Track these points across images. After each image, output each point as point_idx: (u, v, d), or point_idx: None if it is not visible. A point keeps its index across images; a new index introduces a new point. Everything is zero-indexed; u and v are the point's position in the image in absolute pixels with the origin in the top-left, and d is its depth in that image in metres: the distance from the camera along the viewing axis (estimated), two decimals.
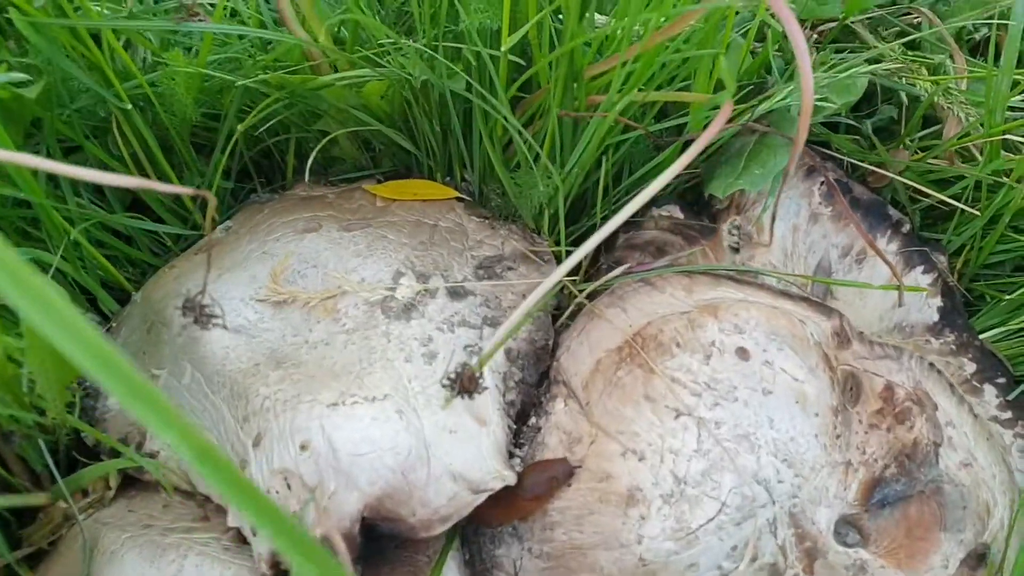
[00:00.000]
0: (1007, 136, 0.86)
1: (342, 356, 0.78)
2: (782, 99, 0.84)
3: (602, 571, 0.74)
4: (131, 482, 0.87)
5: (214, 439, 0.79)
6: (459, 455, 0.73)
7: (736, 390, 0.76)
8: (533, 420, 0.82)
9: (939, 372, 0.81)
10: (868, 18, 1.06)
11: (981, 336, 0.91)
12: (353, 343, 0.79)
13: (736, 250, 0.88)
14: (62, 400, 0.80)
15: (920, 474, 0.76)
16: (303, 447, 0.71)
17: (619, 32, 0.77)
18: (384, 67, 0.87)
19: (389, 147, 1.01)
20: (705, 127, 0.65)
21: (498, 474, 0.74)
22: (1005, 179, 0.88)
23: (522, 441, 0.81)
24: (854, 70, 0.86)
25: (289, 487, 0.71)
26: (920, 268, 0.91)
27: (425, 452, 0.72)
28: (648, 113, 0.88)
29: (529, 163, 0.87)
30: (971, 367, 0.89)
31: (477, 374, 0.71)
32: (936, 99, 0.93)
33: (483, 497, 0.72)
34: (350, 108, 0.93)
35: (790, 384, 0.76)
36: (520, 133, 0.85)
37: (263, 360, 0.78)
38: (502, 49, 0.79)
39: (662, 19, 0.74)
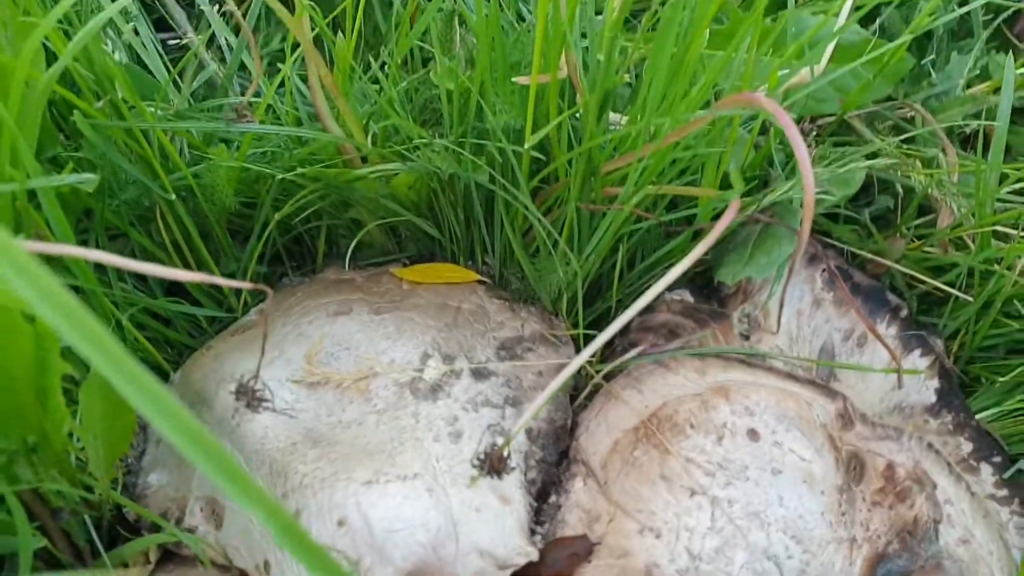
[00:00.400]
0: (997, 227, 0.92)
1: (375, 435, 0.82)
2: (785, 192, 0.90)
3: None
4: (169, 556, 0.91)
5: (253, 519, 0.84)
6: (485, 532, 0.78)
7: (747, 470, 0.81)
8: (553, 498, 0.86)
9: (937, 452, 0.86)
10: (864, 112, 1.12)
11: (977, 417, 0.96)
12: (384, 423, 0.84)
13: (746, 337, 0.93)
14: (109, 476, 0.84)
15: (921, 550, 0.80)
16: (340, 523, 0.75)
17: (634, 133, 0.83)
18: (413, 161, 0.93)
19: (415, 233, 1.07)
20: (715, 219, 0.71)
21: (522, 550, 0.78)
22: (996, 267, 0.93)
23: (543, 519, 0.86)
24: (852, 165, 0.93)
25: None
26: (918, 351, 0.96)
27: (453, 529, 0.76)
28: (660, 203, 0.94)
29: (548, 249, 0.92)
30: (968, 446, 0.93)
31: (505, 454, 0.76)
32: (930, 191, 0.99)
33: (508, 573, 0.76)
34: (380, 198, 0.99)
35: (798, 464, 0.81)
36: (540, 221, 0.91)
37: (300, 439, 0.83)
38: (525, 147, 0.85)
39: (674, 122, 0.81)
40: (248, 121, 0.84)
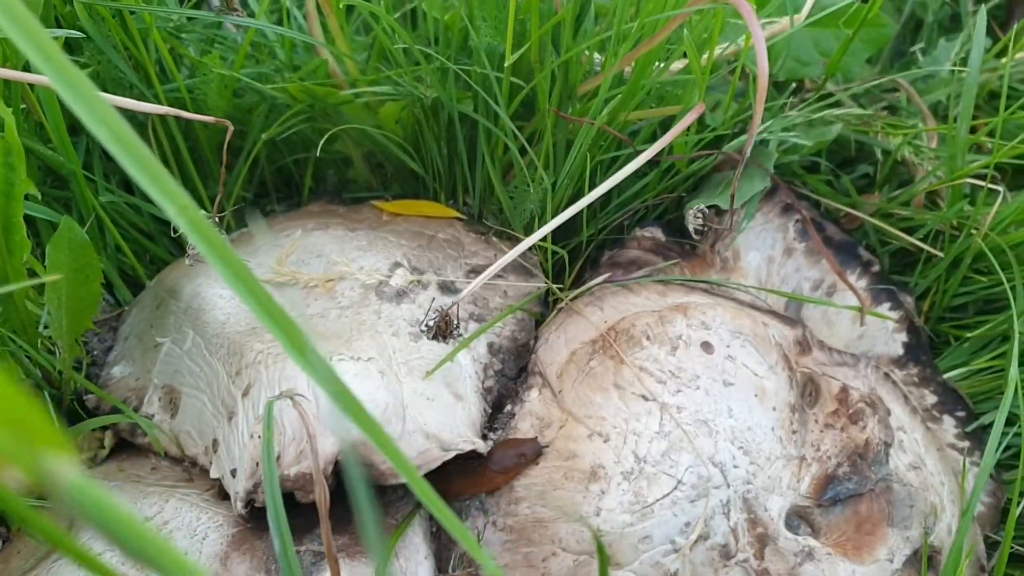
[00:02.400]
0: (969, 181, 0.93)
1: (335, 325, 0.83)
2: (759, 132, 0.92)
3: (561, 542, 0.77)
4: (123, 446, 0.92)
5: (206, 399, 0.85)
6: (433, 418, 0.78)
7: (699, 379, 0.81)
8: (508, 407, 0.86)
9: (894, 383, 0.85)
10: (853, 94, 1.14)
11: (945, 375, 0.96)
12: (346, 316, 0.85)
13: None
14: (72, 353, 0.86)
15: (871, 473, 0.79)
16: (292, 391, 0.76)
17: (610, 47, 0.85)
18: (401, 85, 0.96)
19: (400, 171, 1.09)
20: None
21: (468, 439, 0.78)
22: (967, 222, 0.94)
23: (496, 426, 0.86)
24: (826, 112, 0.94)
25: (282, 435, 0.75)
26: (887, 305, 0.96)
27: (402, 410, 0.77)
28: (636, 138, 0.96)
29: (525, 177, 0.94)
30: (932, 398, 0.93)
31: (454, 321, 0.76)
32: (907, 155, 1.00)
33: (451, 455, 0.76)
34: (366, 128, 1.02)
35: (750, 378, 0.81)
36: (517, 137, 0.92)
37: (259, 325, 0.84)
38: (507, 63, 0.88)
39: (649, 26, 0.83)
40: (238, 15, 0.87)
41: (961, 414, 0.92)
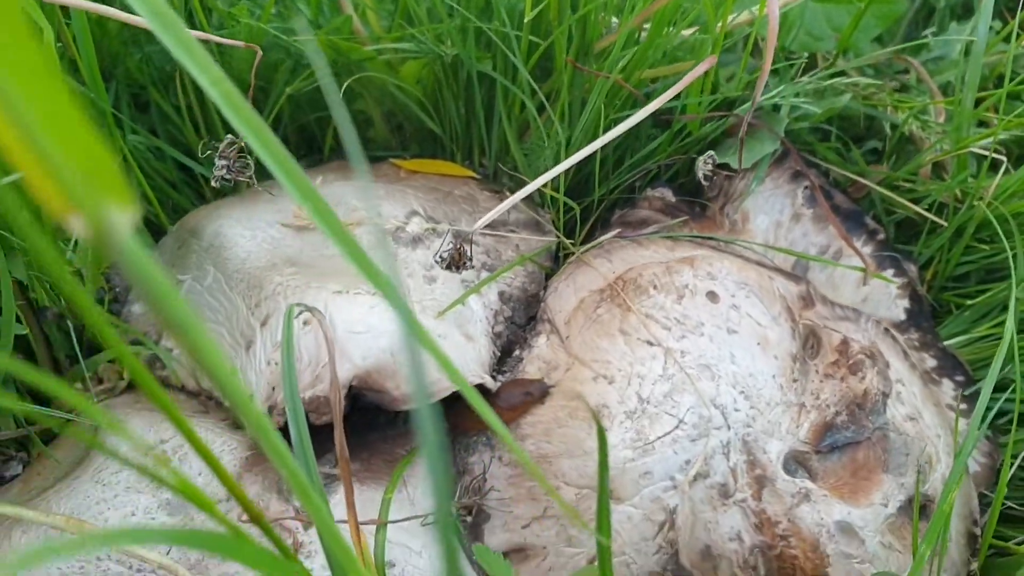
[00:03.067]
0: (975, 151, 0.95)
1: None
2: (770, 97, 0.94)
3: (564, 477, 0.80)
4: None
5: (225, 332, 0.87)
6: (449, 355, 0.80)
7: (703, 326, 0.83)
8: (517, 352, 0.89)
9: (893, 338, 0.87)
10: (863, 72, 1.17)
11: (946, 343, 0.97)
12: None
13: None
14: (95, 284, 0.88)
15: (868, 422, 0.81)
16: (306, 323, 0.78)
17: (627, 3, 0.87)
18: (423, 43, 0.99)
19: (418, 132, 1.12)
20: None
21: (477, 375, 0.81)
22: (970, 190, 0.96)
23: (505, 369, 0.88)
24: (835, 80, 0.97)
25: (299, 360, 0.78)
26: (891, 271, 0.98)
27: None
28: (653, 96, 0.98)
29: (541, 131, 0.96)
30: (931, 362, 0.95)
31: (468, 253, 0.79)
32: (914, 129, 1.02)
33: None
34: (387, 86, 1.04)
35: (754, 327, 0.83)
36: (534, 95, 0.95)
37: (279, 261, 0.87)
38: (525, 21, 0.90)
39: None
40: None
41: (960, 378, 0.94)
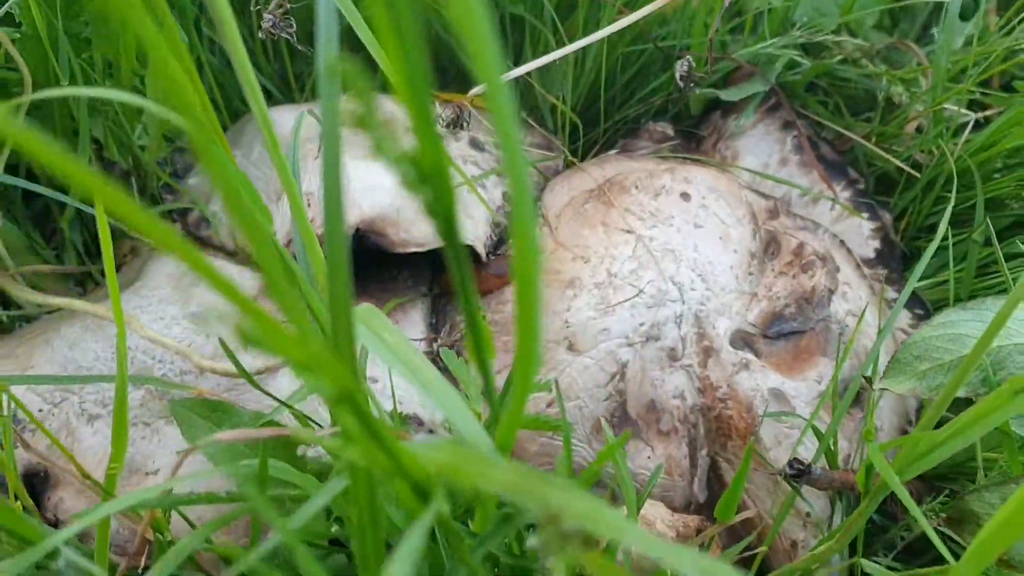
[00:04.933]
0: (952, 111, 1.04)
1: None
2: (764, 46, 1.06)
3: None
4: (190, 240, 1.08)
5: (263, 197, 1.01)
6: None
7: (673, 219, 0.93)
8: (511, 241, 1.00)
9: (848, 251, 0.96)
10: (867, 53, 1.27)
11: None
12: None
13: None
14: (159, 147, 1.03)
15: (813, 314, 0.90)
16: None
17: None
18: None
19: (459, 73, 1.26)
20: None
21: (470, 239, 0.92)
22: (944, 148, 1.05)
23: (499, 252, 1.00)
24: (828, 37, 1.07)
25: (309, 204, 0.91)
26: (866, 215, 1.07)
27: (416, 205, 0.91)
28: (663, 41, 1.10)
29: (559, 64, 1.09)
30: (893, 295, 1.03)
31: (465, 115, 0.91)
32: (900, 94, 1.12)
33: None
34: (436, 29, 1.19)
35: (718, 224, 0.93)
36: (556, 31, 1.08)
37: (315, 135, 1.00)
38: None
39: None
40: None
41: (919, 311, 1.02)
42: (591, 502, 0.29)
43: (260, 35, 0.86)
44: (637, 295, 0.89)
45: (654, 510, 0.81)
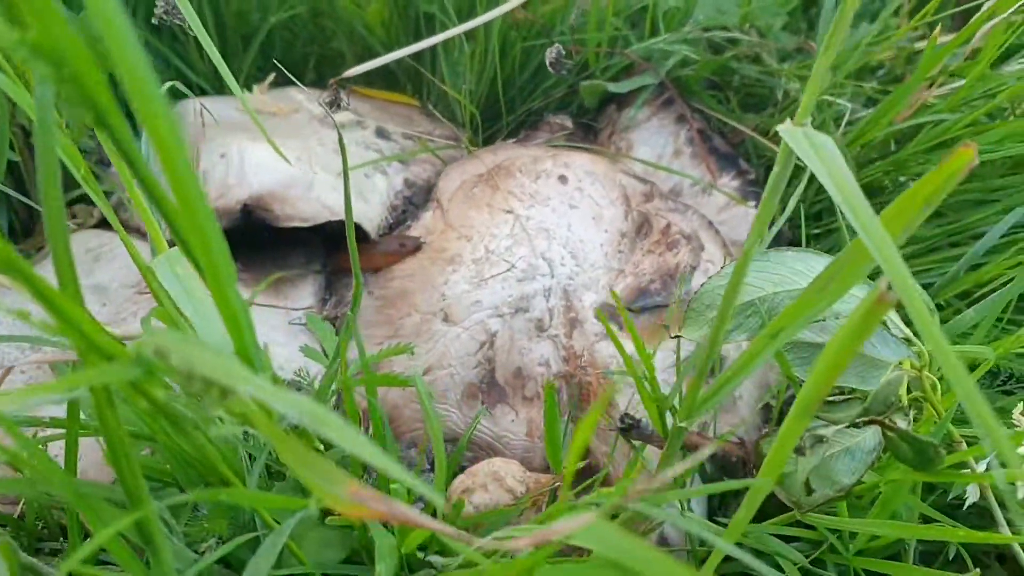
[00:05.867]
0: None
1: (277, 131, 1.05)
2: (655, 41, 1.11)
3: (415, 306, 0.96)
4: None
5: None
6: (334, 198, 0.99)
7: (550, 200, 0.99)
8: (408, 223, 1.06)
9: (716, 231, 1.01)
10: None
11: None
12: (290, 128, 1.07)
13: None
14: (80, 134, 1.10)
15: (676, 289, 0.95)
16: (222, 156, 0.98)
17: None
18: None
19: (381, 71, 1.32)
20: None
21: (361, 219, 0.98)
22: None
23: (395, 233, 1.05)
24: (715, 32, 1.13)
25: (207, 182, 0.97)
26: (752, 204, 1.12)
27: (308, 186, 0.98)
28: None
29: (465, 58, 1.15)
30: None
31: (342, 98, 0.97)
32: (798, 92, 1.17)
33: (337, 218, 0.96)
34: (356, 26, 1.25)
35: (592, 206, 0.99)
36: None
37: (224, 123, 1.07)
38: None
39: None
40: None
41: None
42: (223, 359, 0.34)
43: (154, 20, 0.92)
44: (509, 270, 0.94)
45: (507, 466, 0.86)
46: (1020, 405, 0.66)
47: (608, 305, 0.95)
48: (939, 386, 0.66)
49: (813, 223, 1.15)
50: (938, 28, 1.13)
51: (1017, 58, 1.15)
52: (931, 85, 1.13)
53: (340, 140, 0.64)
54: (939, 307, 0.99)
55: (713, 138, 1.16)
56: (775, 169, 0.52)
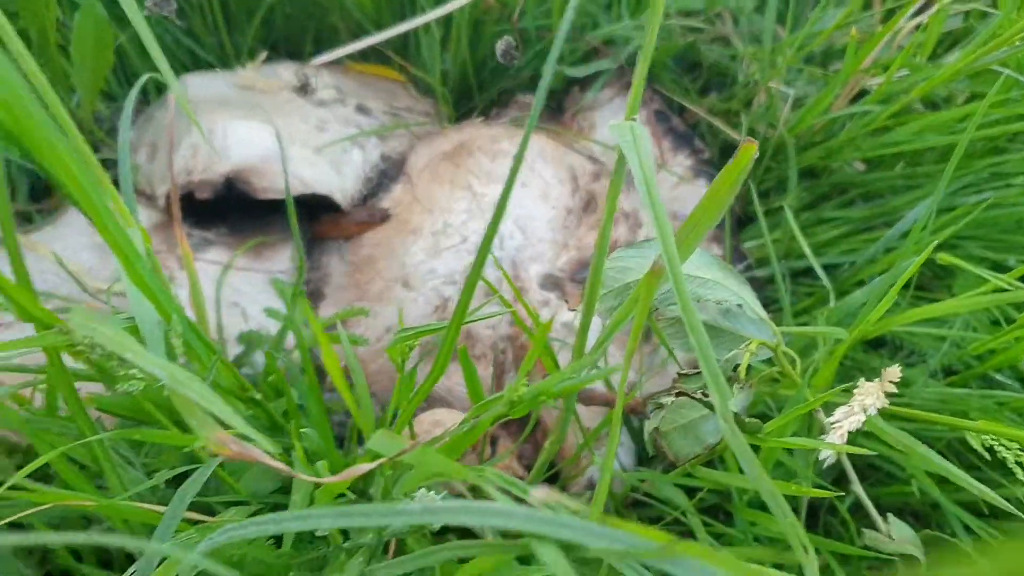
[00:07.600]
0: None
1: (261, 107, 1.16)
2: (613, 29, 1.19)
3: (380, 272, 1.07)
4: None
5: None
6: (309, 172, 1.09)
7: (504, 179, 1.08)
8: (380, 195, 1.16)
9: None
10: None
11: (746, 244, 1.19)
12: (275, 104, 1.17)
13: None
14: (91, 103, 1.21)
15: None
16: (210, 132, 1.09)
17: None
18: None
19: (373, 48, 1.42)
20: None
21: (329, 191, 1.09)
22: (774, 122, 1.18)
23: (365, 204, 1.16)
24: (678, 20, 1.21)
25: (195, 156, 1.08)
26: (703, 180, 1.21)
27: (284, 160, 1.08)
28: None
29: (443, 40, 1.24)
30: (718, 251, 1.17)
31: (312, 83, 1.07)
32: (757, 75, 1.25)
33: (309, 192, 1.07)
34: (348, 5, 1.35)
35: (541, 184, 1.08)
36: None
37: (214, 99, 1.17)
38: None
39: None
40: None
41: (741, 266, 1.16)
42: (117, 334, 0.45)
43: (146, 13, 1.03)
44: (462, 242, 1.04)
45: (449, 415, 0.97)
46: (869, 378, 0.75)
47: (552, 276, 1.05)
48: (799, 361, 0.75)
49: (761, 200, 1.23)
50: (899, 15, 1.20)
51: (962, 44, 1.21)
52: (884, 72, 1.20)
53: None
54: (860, 284, 1.08)
55: (671, 118, 1.25)
56: (616, 156, 0.62)
